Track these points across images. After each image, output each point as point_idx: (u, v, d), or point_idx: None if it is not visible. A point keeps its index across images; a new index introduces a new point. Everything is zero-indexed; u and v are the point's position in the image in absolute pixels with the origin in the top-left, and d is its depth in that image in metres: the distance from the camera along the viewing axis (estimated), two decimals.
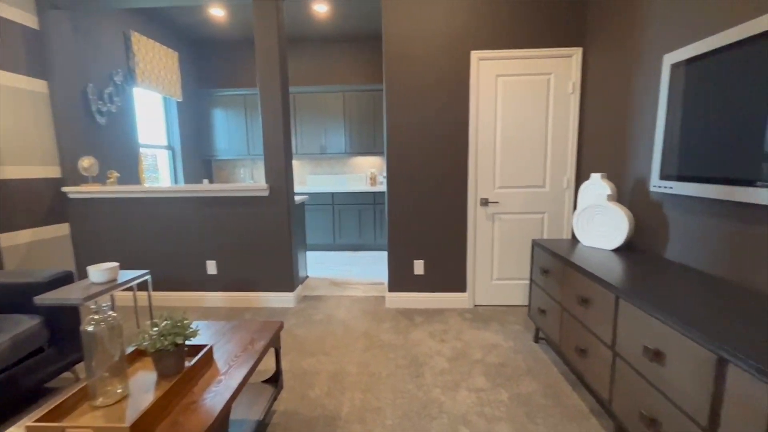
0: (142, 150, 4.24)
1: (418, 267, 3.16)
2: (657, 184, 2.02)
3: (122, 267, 3.27)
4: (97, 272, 2.18)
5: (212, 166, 5.66)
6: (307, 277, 3.98)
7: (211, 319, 2.98)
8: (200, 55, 5.37)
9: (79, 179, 3.25)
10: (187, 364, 1.42)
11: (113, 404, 1.22)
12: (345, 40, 5.21)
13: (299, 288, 3.46)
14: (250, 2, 3.03)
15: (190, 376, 1.35)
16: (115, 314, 1.27)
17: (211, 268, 3.25)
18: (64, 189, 3.16)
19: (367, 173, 5.53)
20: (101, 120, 3.50)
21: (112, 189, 3.15)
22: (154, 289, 3.31)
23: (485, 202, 3.06)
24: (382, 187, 5.06)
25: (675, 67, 1.90)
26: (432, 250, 3.14)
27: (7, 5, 2.80)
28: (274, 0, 2.95)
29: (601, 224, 2.27)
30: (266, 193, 3.12)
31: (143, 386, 1.32)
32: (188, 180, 5.09)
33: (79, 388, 1.23)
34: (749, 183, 1.51)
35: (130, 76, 3.95)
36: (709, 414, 1.09)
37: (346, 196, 5.03)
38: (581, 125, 2.91)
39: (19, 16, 2.89)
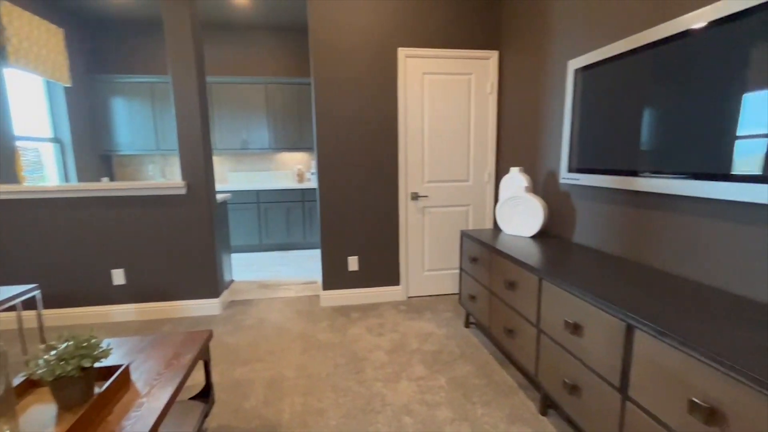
0: (19, 143, 3.56)
1: (353, 263, 3.14)
2: (565, 177, 2.26)
3: (1, 282, 2.72)
4: None
5: (112, 162, 4.98)
6: (232, 280, 3.72)
7: (122, 336, 2.62)
8: (95, 36, 4.66)
9: None
10: (98, 390, 1.22)
11: None
12: (268, 29, 4.94)
13: (225, 293, 3.22)
14: None
15: (102, 404, 1.16)
16: None
17: (118, 277, 2.86)
18: None
19: (293, 170, 5.34)
20: None
21: None
22: (46, 307, 2.81)
23: (415, 197, 3.15)
24: (310, 184, 4.92)
25: (578, 72, 2.13)
26: (366, 246, 3.14)
27: None
28: None
29: (520, 214, 2.47)
30: (183, 191, 2.83)
31: (39, 423, 1.10)
32: (83, 178, 4.41)
33: None
34: (634, 173, 1.76)
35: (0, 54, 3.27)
36: (620, 374, 1.25)
37: (272, 194, 4.80)
38: (499, 123, 3.13)
39: None
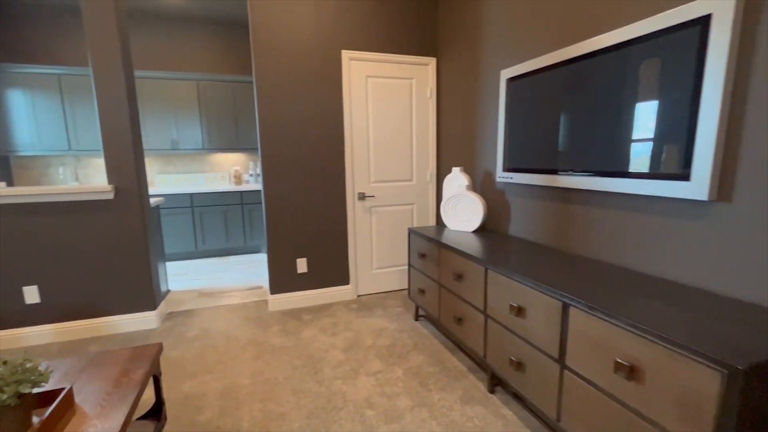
0: None
1: (302, 265, 3.11)
2: (501, 176, 2.49)
3: None
4: None
5: (10, 164, 4.32)
6: (169, 291, 3.46)
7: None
8: None
9: None
10: (38, 418, 1.11)
11: None
12: (203, 23, 4.65)
13: (162, 304, 2.99)
14: None
15: None
16: None
17: (32, 295, 2.52)
18: None
19: (230, 171, 5.10)
20: None
21: None
22: None
23: (362, 196, 3.22)
24: (249, 186, 4.74)
25: (509, 81, 2.36)
26: (315, 247, 3.13)
27: None
28: None
29: (462, 211, 2.66)
30: (110, 196, 2.59)
31: None
32: None
33: None
34: (555, 172, 2.02)
35: None
36: (558, 347, 1.44)
37: (208, 197, 4.53)
38: (439, 125, 3.32)
39: None
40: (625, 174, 1.63)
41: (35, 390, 1.15)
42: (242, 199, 4.67)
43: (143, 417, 1.62)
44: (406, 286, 3.46)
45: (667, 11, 1.43)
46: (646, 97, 1.52)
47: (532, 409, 1.81)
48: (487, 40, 2.58)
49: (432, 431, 1.69)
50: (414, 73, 3.22)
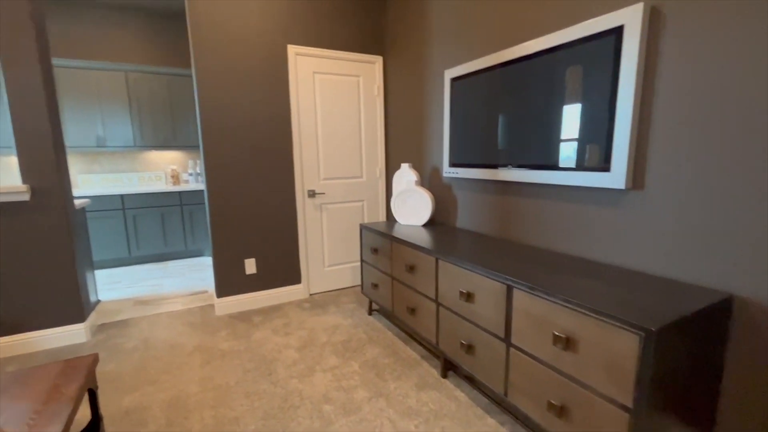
0: None
1: (250, 266, 3.01)
2: (447, 171, 2.61)
3: None
4: None
5: None
6: (99, 301, 3.16)
7: None
8: None
9: None
10: None
11: None
12: (134, 10, 4.27)
13: (92, 316, 2.73)
14: None
15: None
16: None
17: None
18: None
19: (166, 170, 4.77)
20: None
21: None
22: None
23: (312, 194, 3.18)
24: (189, 186, 4.47)
25: (453, 80, 2.48)
26: (263, 247, 3.04)
27: None
28: None
29: (412, 205, 2.74)
30: (26, 197, 2.31)
31: None
32: None
33: None
34: (495, 166, 2.17)
35: None
36: (504, 327, 1.55)
37: (141, 198, 4.20)
38: (387, 123, 3.39)
39: None
40: (556, 167, 1.79)
41: None
42: (181, 199, 4.38)
43: None
44: (359, 283, 3.49)
45: (587, 21, 1.60)
46: (573, 99, 1.69)
47: (481, 389, 1.93)
48: (432, 41, 2.68)
49: (390, 419, 1.74)
50: (361, 71, 3.24)
